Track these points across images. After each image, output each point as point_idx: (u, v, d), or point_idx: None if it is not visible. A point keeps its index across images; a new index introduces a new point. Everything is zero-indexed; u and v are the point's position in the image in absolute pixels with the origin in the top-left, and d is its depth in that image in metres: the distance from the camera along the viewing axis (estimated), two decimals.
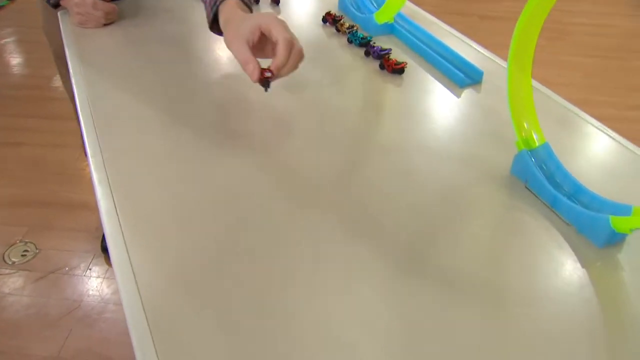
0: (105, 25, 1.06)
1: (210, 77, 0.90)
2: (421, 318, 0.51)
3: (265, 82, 0.73)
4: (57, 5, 1.07)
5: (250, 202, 0.64)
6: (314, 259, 0.56)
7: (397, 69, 0.87)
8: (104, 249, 1.71)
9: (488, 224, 0.63)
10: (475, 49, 0.97)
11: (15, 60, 2.91)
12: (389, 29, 1.00)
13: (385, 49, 0.91)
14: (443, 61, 0.89)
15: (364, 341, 0.48)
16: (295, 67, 0.75)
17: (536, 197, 0.66)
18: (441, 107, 0.82)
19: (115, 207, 0.62)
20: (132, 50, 0.98)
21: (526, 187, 0.68)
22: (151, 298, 0.52)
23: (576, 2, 3.45)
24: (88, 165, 0.71)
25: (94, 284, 1.63)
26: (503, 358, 0.48)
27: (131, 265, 0.55)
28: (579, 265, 0.57)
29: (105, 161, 0.70)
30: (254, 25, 0.73)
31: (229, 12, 0.80)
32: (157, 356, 0.47)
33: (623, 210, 0.58)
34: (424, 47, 0.93)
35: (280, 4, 1.13)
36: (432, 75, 0.89)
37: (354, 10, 1.05)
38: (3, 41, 3.07)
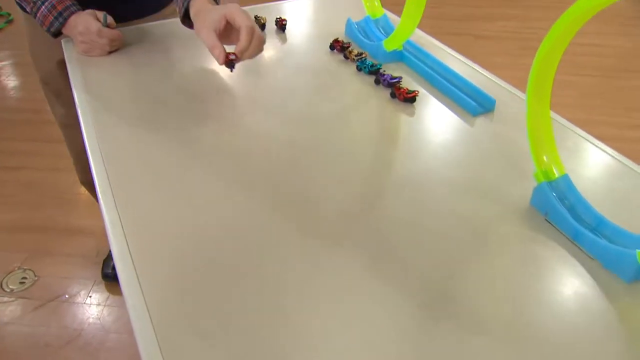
0: (109, 52, 1.05)
1: (217, 102, 0.89)
2: (437, 353, 0.50)
3: (230, 63, 0.85)
4: (58, 34, 1.06)
5: (263, 235, 0.62)
6: (333, 296, 0.55)
7: (409, 98, 0.87)
8: (105, 276, 1.68)
9: (508, 257, 0.61)
10: (483, 74, 0.97)
11: (12, 83, 2.90)
12: (398, 56, 0.99)
13: (396, 77, 0.90)
14: (455, 89, 0.88)
15: None
16: (259, 50, 0.88)
17: (557, 230, 0.65)
18: (455, 136, 0.81)
19: (123, 229, 0.63)
20: (137, 77, 0.97)
21: (546, 220, 0.67)
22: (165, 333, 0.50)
23: None
24: (97, 198, 0.71)
25: (94, 311, 1.60)
26: None
27: (142, 293, 0.54)
28: (606, 301, 0.56)
29: (115, 195, 0.69)
30: (219, 15, 0.85)
31: (199, 5, 0.91)
32: None
33: None
34: (435, 74, 0.92)
35: (286, 31, 1.13)
36: (444, 104, 0.88)
37: (361, 37, 1.04)
38: (0, 64, 3.06)
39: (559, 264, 0.61)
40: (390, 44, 0.96)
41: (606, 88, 2.74)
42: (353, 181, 0.72)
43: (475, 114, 0.85)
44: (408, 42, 0.99)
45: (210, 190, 0.70)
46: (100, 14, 1.04)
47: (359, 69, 0.97)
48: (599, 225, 0.63)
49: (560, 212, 0.65)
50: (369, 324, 0.53)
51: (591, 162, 0.78)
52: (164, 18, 1.26)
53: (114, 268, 1.64)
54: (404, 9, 0.89)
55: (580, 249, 0.62)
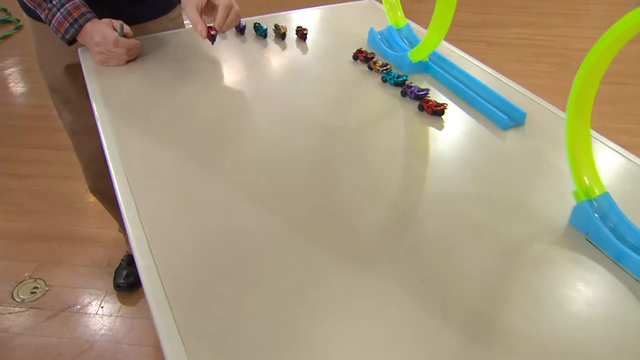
0: (127, 62, 1.03)
1: (236, 112, 0.88)
2: None
3: (211, 37, 1.02)
4: (72, 42, 1.04)
5: (288, 249, 0.60)
6: (369, 317, 0.53)
7: (437, 111, 0.85)
8: (117, 286, 1.66)
9: (547, 278, 0.59)
10: (510, 85, 0.95)
11: (21, 89, 2.89)
12: (423, 67, 0.97)
13: (424, 89, 0.88)
14: (484, 102, 0.86)
15: None
16: (235, 23, 1.04)
17: (599, 250, 0.63)
18: (486, 151, 0.79)
19: (148, 241, 0.60)
20: (154, 86, 0.96)
21: (587, 239, 0.65)
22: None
23: (577, 28, 3.46)
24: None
25: (106, 322, 1.58)
26: None
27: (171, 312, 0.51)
28: None
29: (139, 208, 0.67)
30: None
31: None
32: None
33: None
34: (462, 86, 0.90)
35: (307, 40, 1.11)
36: (473, 117, 0.86)
37: (385, 47, 1.02)
38: (9, 70, 3.05)
39: (602, 285, 0.58)
40: (417, 55, 0.94)
41: (617, 95, 2.72)
42: (383, 196, 0.70)
43: (505, 127, 0.83)
44: (433, 53, 0.96)
45: (232, 202, 0.69)
46: (117, 23, 1.03)
47: (384, 80, 0.95)
48: None
49: (603, 232, 0.63)
50: (406, 346, 0.51)
51: (625, 176, 0.75)
52: (172, 20, 1.25)
53: (125, 278, 1.65)
54: (432, 20, 0.87)
55: (625, 271, 0.60)
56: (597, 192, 0.65)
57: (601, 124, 2.45)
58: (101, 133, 0.83)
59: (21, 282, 1.71)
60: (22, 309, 1.62)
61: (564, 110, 0.88)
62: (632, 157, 0.78)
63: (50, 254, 1.82)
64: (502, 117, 0.83)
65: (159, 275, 0.58)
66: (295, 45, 1.10)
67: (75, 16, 1.01)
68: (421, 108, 0.87)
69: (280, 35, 1.11)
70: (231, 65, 1.03)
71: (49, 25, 1.02)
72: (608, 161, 0.77)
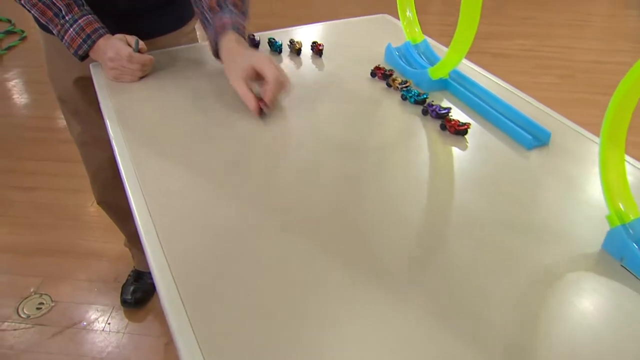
0: (140, 78, 1.02)
1: (251, 129, 0.87)
2: None
3: (261, 111, 0.89)
4: (84, 57, 1.03)
5: (308, 272, 0.58)
6: (390, 344, 0.51)
7: (461, 130, 0.83)
8: (124, 302, 1.64)
9: (581, 305, 0.57)
10: (531, 103, 0.93)
11: (25, 100, 2.88)
12: (443, 85, 0.96)
13: (445, 108, 0.87)
14: (507, 121, 0.84)
15: None
16: (284, 92, 0.92)
17: (636, 277, 0.61)
18: (512, 172, 0.77)
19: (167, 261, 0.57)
20: (168, 102, 0.94)
21: (622, 266, 0.63)
22: None
23: (581, 40, 3.46)
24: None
25: (113, 339, 1.56)
26: None
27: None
28: None
29: (156, 225, 0.65)
30: (248, 65, 0.89)
31: (228, 48, 0.94)
32: None
33: None
34: (484, 104, 0.89)
35: (323, 56, 1.10)
36: (496, 137, 0.85)
37: (403, 64, 1.01)
38: (14, 81, 3.04)
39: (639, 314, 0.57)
40: (437, 73, 0.93)
41: None
42: (406, 219, 0.68)
43: (530, 147, 0.81)
44: (453, 70, 0.95)
45: (249, 220, 0.67)
46: (132, 39, 1.02)
47: (403, 98, 0.93)
48: None
49: (639, 258, 0.61)
50: None
51: None
52: (186, 35, 1.23)
53: (132, 294, 1.62)
54: (455, 36, 0.86)
55: None
56: (632, 217, 0.64)
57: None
58: (116, 151, 0.81)
59: (26, 297, 1.68)
60: (27, 326, 1.59)
61: (583, 126, 0.87)
62: None
63: (55, 268, 1.79)
64: (527, 136, 0.81)
65: (175, 284, 0.56)
66: (311, 61, 1.08)
67: (88, 32, 0.99)
68: (443, 127, 0.85)
69: (296, 50, 1.09)
70: None
71: (61, 40, 1.01)
72: None
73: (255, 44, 1.13)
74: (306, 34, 1.21)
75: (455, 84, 0.94)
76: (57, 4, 0.98)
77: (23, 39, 3.48)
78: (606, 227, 0.65)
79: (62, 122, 2.53)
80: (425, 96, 0.91)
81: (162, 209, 0.69)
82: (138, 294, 1.64)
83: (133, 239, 1.60)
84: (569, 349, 0.52)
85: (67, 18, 0.98)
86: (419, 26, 1.04)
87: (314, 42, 1.10)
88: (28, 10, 1.00)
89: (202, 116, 0.90)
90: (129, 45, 1.01)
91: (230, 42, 0.93)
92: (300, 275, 0.60)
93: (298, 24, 1.26)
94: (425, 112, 0.89)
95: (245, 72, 0.89)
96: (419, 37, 1.05)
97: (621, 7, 4.16)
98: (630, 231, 0.63)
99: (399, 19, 1.06)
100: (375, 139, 0.84)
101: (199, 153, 0.80)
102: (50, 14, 0.98)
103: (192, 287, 0.58)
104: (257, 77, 0.90)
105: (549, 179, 0.76)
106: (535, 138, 0.82)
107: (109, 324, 1.60)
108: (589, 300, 0.58)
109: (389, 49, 1.05)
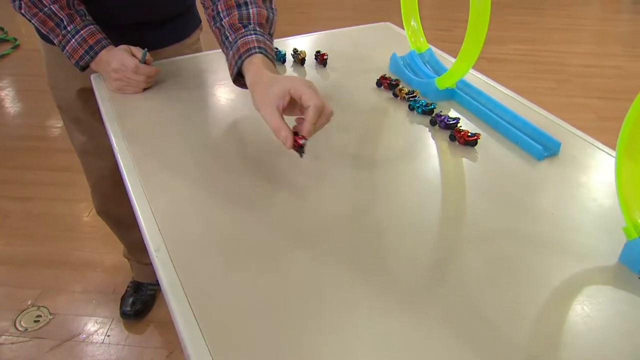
0: (144, 89, 1.00)
1: (257, 141, 0.85)
2: None
3: (300, 148, 0.72)
4: (85, 68, 1.01)
5: (325, 290, 0.57)
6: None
7: (470, 141, 0.82)
8: (123, 314, 1.62)
9: (598, 320, 0.56)
10: (538, 112, 0.93)
11: (19, 110, 2.85)
12: (450, 95, 0.95)
13: (454, 118, 0.86)
14: (517, 131, 0.84)
15: None
16: (324, 125, 0.75)
17: None
18: (523, 183, 0.77)
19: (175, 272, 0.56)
20: (172, 113, 0.93)
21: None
22: None
23: (575, 44, 3.48)
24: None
25: (113, 352, 1.53)
26: None
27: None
28: None
29: (165, 239, 0.64)
30: (283, 91, 0.73)
31: (256, 72, 0.79)
32: None
33: None
34: (492, 114, 0.88)
35: (327, 66, 1.09)
36: (506, 147, 0.84)
37: (409, 73, 1.00)
38: (6, 90, 3.01)
39: None
40: (444, 82, 0.92)
41: (623, 110, 2.72)
42: (417, 229, 0.67)
43: (540, 158, 0.81)
44: (460, 80, 0.94)
45: (258, 233, 0.66)
46: (137, 50, 1.00)
47: (411, 108, 0.92)
48: None
49: None
50: None
51: None
52: (189, 47, 1.22)
53: (132, 305, 1.61)
54: (463, 46, 0.85)
55: None
56: None
57: (608, 139, 2.44)
58: (121, 164, 0.80)
59: (24, 310, 1.66)
60: (25, 339, 1.57)
61: (592, 135, 0.87)
62: None
63: (53, 280, 1.77)
64: (537, 147, 0.81)
65: (185, 294, 0.55)
66: (315, 71, 1.07)
67: (91, 43, 0.98)
68: (452, 138, 0.84)
69: (300, 60, 1.09)
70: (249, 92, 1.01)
71: (62, 50, 0.99)
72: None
73: None
74: (308, 43, 1.20)
75: (462, 94, 0.94)
76: (59, 14, 0.96)
77: (16, 47, 3.45)
78: (623, 239, 0.64)
79: (56, 131, 2.51)
80: (433, 106, 0.90)
81: (171, 223, 0.68)
82: (137, 305, 1.62)
83: (133, 249, 1.59)
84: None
85: (69, 28, 0.97)
86: (423, 35, 1.04)
87: (317, 52, 1.09)
88: (28, 19, 0.98)
89: (205, 127, 0.88)
90: (134, 56, 0.99)
91: (257, 65, 0.80)
92: (313, 286, 0.59)
93: (294, 33, 1.25)
94: (433, 123, 0.88)
95: (281, 99, 0.73)
96: (424, 46, 1.04)
97: (613, 12, 4.19)
98: None
99: (397, 26, 1.05)
100: (384, 150, 0.83)
101: (204, 163, 0.79)
102: (51, 24, 0.97)
103: (204, 300, 0.57)
104: (292, 104, 0.75)
105: (562, 190, 0.76)
106: (545, 148, 0.81)
107: (108, 336, 1.58)
108: (608, 314, 0.57)
109: (394, 58, 1.04)
